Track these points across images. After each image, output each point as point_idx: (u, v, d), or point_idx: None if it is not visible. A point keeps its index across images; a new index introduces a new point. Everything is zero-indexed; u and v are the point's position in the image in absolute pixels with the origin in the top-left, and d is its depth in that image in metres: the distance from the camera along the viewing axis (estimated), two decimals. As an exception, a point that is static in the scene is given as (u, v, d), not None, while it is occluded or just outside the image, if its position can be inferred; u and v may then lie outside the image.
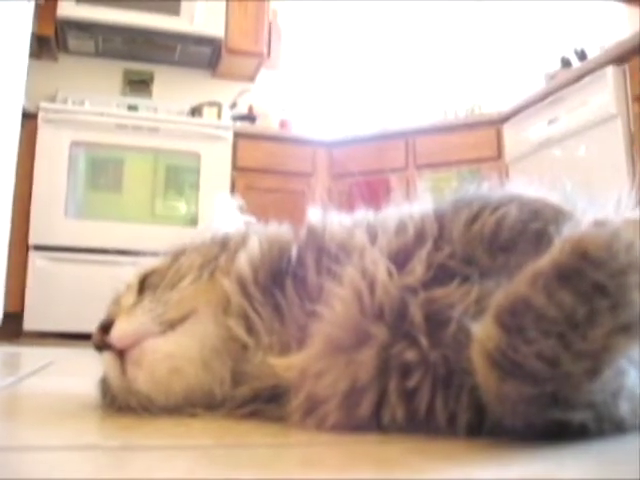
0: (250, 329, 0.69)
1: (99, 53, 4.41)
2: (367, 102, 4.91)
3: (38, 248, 3.50)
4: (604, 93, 2.85)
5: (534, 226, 0.61)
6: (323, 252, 0.69)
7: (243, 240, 0.76)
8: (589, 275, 0.48)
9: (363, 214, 0.75)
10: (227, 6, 4.26)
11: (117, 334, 0.70)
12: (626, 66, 2.80)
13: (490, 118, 3.75)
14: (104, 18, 4.02)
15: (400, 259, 0.63)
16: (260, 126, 4.33)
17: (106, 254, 3.51)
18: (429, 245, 0.62)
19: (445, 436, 0.57)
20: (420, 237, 0.64)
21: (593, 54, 3.30)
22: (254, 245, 0.74)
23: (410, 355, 0.58)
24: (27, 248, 3.48)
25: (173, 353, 0.69)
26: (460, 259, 0.61)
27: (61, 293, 3.46)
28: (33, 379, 1.23)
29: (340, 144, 4.10)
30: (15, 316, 3.31)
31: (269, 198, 3.70)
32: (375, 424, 0.59)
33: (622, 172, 2.70)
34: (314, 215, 0.76)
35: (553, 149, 3.18)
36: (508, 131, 3.57)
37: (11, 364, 1.82)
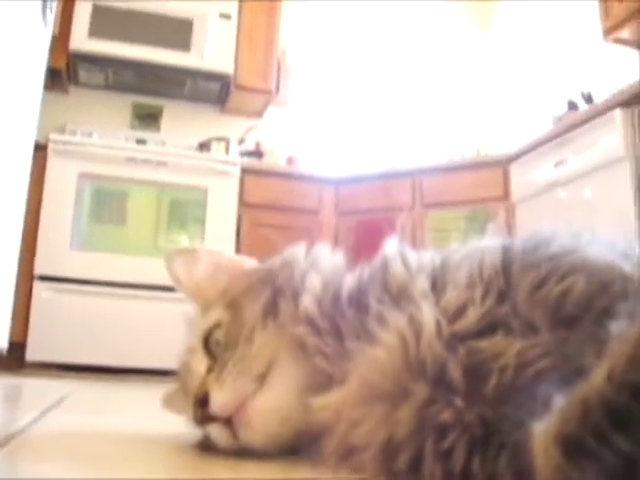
0: (329, 360, 0.70)
1: (109, 86, 4.45)
2: (374, 141, 4.94)
3: (43, 279, 3.49)
4: (612, 136, 2.85)
5: (600, 303, 0.57)
6: (385, 291, 0.70)
7: (302, 279, 0.77)
8: None
9: (430, 256, 0.75)
10: (237, 43, 4.31)
11: (219, 405, 0.72)
12: (635, 109, 2.82)
13: (496, 159, 3.77)
14: (115, 52, 4.06)
15: (462, 310, 0.62)
16: (267, 162, 4.36)
17: (109, 286, 3.53)
18: (491, 298, 0.62)
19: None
20: (486, 291, 0.63)
21: (600, 98, 3.33)
22: (315, 285, 0.75)
23: (446, 415, 0.57)
24: (32, 278, 3.47)
25: (277, 406, 0.72)
26: (519, 319, 0.60)
27: (64, 324, 3.45)
28: (55, 415, 1.20)
29: (347, 182, 4.11)
30: (18, 346, 3.29)
31: (275, 234, 3.70)
32: (414, 479, 0.58)
33: (629, 215, 2.71)
34: (390, 247, 0.77)
35: (559, 190, 3.19)
36: (515, 171, 3.59)
37: (14, 398, 1.80)
